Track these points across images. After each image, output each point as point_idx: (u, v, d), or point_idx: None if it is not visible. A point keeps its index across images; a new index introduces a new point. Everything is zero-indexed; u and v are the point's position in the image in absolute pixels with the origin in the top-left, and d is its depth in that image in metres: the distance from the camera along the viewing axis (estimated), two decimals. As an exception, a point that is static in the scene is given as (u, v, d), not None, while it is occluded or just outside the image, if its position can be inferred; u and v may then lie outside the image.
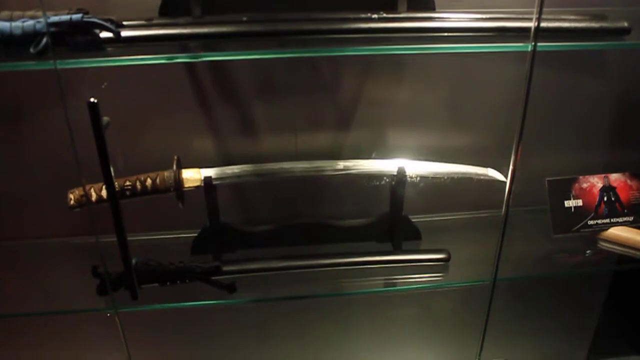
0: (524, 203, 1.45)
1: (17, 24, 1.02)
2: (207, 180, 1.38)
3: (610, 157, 1.73)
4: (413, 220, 1.54)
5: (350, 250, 1.49)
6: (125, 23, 1.14)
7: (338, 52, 1.30)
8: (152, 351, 1.73)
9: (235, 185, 1.44)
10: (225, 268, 1.38)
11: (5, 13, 1.04)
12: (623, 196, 1.57)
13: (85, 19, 1.03)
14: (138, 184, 1.34)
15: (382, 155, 1.49)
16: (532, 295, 1.87)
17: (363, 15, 1.21)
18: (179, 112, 1.49)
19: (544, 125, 1.59)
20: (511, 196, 1.28)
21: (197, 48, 1.23)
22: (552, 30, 1.22)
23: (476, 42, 1.23)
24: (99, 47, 1.08)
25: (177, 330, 1.75)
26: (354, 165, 1.45)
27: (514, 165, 1.23)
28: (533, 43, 1.10)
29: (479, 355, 1.53)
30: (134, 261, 1.24)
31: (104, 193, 1.31)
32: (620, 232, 1.55)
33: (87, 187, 1.31)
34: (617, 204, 1.56)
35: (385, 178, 1.47)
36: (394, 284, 1.53)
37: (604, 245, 1.57)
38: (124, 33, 1.10)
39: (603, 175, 1.57)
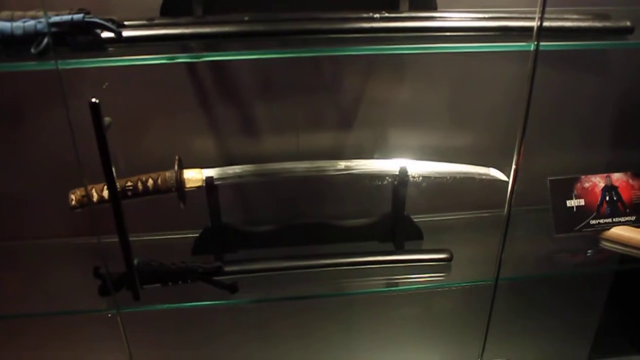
0: (526, 203, 1.45)
1: (18, 24, 1.02)
2: (209, 180, 1.38)
3: (612, 157, 1.73)
4: (415, 220, 1.54)
5: (352, 250, 1.49)
6: (126, 23, 1.13)
7: (340, 51, 1.30)
8: (154, 351, 1.73)
9: (236, 186, 1.44)
10: (227, 268, 1.38)
11: (6, 13, 1.04)
12: (625, 196, 1.57)
13: (86, 19, 1.03)
14: (139, 184, 1.34)
15: (384, 155, 1.49)
16: (533, 295, 1.87)
17: (365, 15, 1.21)
18: (181, 112, 1.49)
19: (546, 125, 1.58)
20: (513, 196, 1.28)
21: (198, 48, 1.22)
22: (555, 29, 1.22)
23: (478, 41, 1.23)
24: (100, 47, 1.08)
25: (178, 330, 1.75)
26: (356, 165, 1.45)
27: (517, 165, 1.23)
28: (536, 42, 1.10)
29: (481, 355, 1.53)
30: (135, 262, 1.24)
31: (105, 193, 1.31)
32: (622, 232, 1.55)
33: (89, 187, 1.31)
34: (619, 204, 1.56)
35: (387, 178, 1.47)
36: (396, 284, 1.53)
37: (606, 244, 1.57)
38: (125, 33, 1.10)
39: (605, 174, 1.57)
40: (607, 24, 1.24)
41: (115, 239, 1.16)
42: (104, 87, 1.22)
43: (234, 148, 1.55)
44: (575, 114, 1.65)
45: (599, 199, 1.55)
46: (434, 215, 1.66)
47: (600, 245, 1.57)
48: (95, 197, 1.32)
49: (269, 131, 1.54)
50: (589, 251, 1.60)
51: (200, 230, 1.47)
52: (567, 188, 1.54)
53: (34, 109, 1.43)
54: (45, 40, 1.01)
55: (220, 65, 1.44)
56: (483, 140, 1.61)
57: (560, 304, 1.91)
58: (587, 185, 1.55)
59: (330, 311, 1.78)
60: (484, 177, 1.49)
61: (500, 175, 1.48)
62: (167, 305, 1.38)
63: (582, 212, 1.54)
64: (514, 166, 1.23)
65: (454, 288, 1.55)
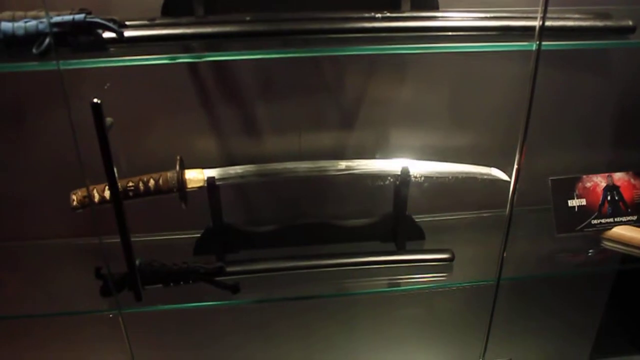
0: (528, 202, 1.45)
1: (20, 24, 1.01)
2: (210, 180, 1.38)
3: (613, 156, 1.73)
4: (417, 220, 1.54)
5: (353, 251, 1.49)
6: (127, 23, 1.13)
7: (341, 51, 1.30)
8: (155, 352, 1.73)
9: (238, 186, 1.44)
10: (229, 269, 1.37)
11: (8, 13, 1.04)
12: (627, 195, 1.57)
13: (88, 19, 1.03)
14: (141, 184, 1.34)
15: (386, 155, 1.49)
16: (535, 295, 1.87)
17: (366, 15, 1.21)
18: (182, 112, 1.49)
19: (547, 124, 1.58)
20: (515, 196, 1.28)
21: (200, 48, 1.22)
22: (557, 29, 1.22)
23: (480, 41, 1.23)
24: (102, 48, 1.08)
25: (180, 331, 1.75)
26: (358, 165, 1.45)
27: (519, 165, 1.23)
28: (538, 42, 1.10)
29: (483, 355, 1.52)
30: (137, 262, 1.24)
31: (106, 194, 1.31)
32: (623, 232, 1.55)
33: (90, 188, 1.31)
34: (620, 203, 1.56)
35: (388, 178, 1.47)
36: (398, 284, 1.53)
37: (608, 244, 1.57)
38: (127, 33, 1.10)
39: (607, 174, 1.57)
40: (609, 23, 1.25)
41: (116, 239, 1.16)
42: (106, 87, 1.22)
43: (235, 148, 1.55)
44: (576, 114, 1.65)
45: (601, 198, 1.55)
46: (436, 215, 1.66)
47: (602, 245, 1.57)
48: (96, 198, 1.32)
49: (271, 131, 1.54)
50: (591, 251, 1.60)
51: (202, 231, 1.47)
52: (568, 188, 1.54)
53: (35, 110, 1.43)
54: (47, 40, 1.00)
55: (222, 65, 1.44)
56: (485, 140, 1.61)
57: (562, 303, 1.91)
58: (588, 185, 1.55)
59: (332, 311, 1.78)
60: (485, 177, 1.49)
61: (502, 175, 1.48)
62: (168, 305, 1.37)
63: (583, 212, 1.54)
64: (516, 166, 1.23)
65: (455, 288, 1.55)
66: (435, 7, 1.30)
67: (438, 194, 1.55)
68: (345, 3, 1.27)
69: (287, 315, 1.75)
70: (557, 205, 1.53)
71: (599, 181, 1.56)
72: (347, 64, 1.49)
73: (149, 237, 1.53)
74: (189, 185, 1.37)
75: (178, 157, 1.37)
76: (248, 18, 1.20)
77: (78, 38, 1.04)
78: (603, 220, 1.55)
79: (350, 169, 1.44)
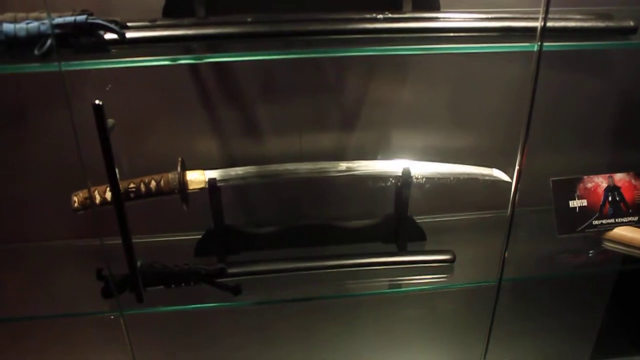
0: (529, 203, 1.44)
1: (22, 25, 1.01)
2: (212, 182, 1.38)
3: (614, 157, 1.73)
4: (418, 221, 1.54)
5: (355, 252, 1.49)
6: (129, 24, 1.13)
7: (343, 52, 1.30)
8: (156, 353, 1.73)
9: (239, 187, 1.44)
10: (230, 270, 1.37)
11: (9, 15, 1.04)
12: (628, 196, 1.57)
13: (89, 21, 1.03)
14: (142, 186, 1.34)
15: (387, 156, 1.49)
16: (536, 296, 1.87)
17: (368, 16, 1.21)
18: (183, 113, 1.49)
19: (548, 125, 1.59)
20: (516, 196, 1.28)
21: (201, 49, 1.22)
22: (558, 30, 1.22)
23: (482, 42, 1.23)
24: (103, 49, 1.08)
25: (181, 332, 1.75)
26: (359, 166, 1.45)
27: (520, 166, 1.23)
28: (539, 43, 1.10)
29: (484, 356, 1.52)
30: (139, 264, 1.24)
31: (107, 195, 1.31)
32: (625, 232, 1.55)
33: (91, 189, 1.31)
34: (621, 204, 1.56)
35: (390, 179, 1.47)
36: (399, 285, 1.53)
37: (609, 245, 1.57)
38: (128, 34, 1.10)
39: (608, 175, 1.57)
40: (610, 24, 1.24)
41: (118, 240, 1.16)
42: (107, 88, 1.22)
43: (236, 149, 1.55)
44: (577, 114, 1.65)
45: (602, 199, 1.55)
46: (437, 216, 1.66)
47: (603, 245, 1.57)
48: (97, 199, 1.32)
49: (272, 132, 1.54)
50: (592, 252, 1.60)
51: (203, 232, 1.47)
52: (569, 188, 1.54)
53: (37, 111, 1.43)
54: (49, 41, 1.01)
55: (223, 67, 1.44)
56: (486, 141, 1.61)
57: (563, 304, 1.91)
58: (589, 185, 1.55)
59: (333, 312, 1.78)
60: (487, 177, 1.49)
61: (503, 176, 1.48)
62: (170, 307, 1.37)
63: (584, 213, 1.54)
64: (517, 167, 1.23)
65: (456, 289, 1.55)
66: (436, 8, 1.30)
67: (439, 195, 1.55)
68: (346, 4, 1.27)
69: (288, 317, 1.75)
70: (558, 206, 1.53)
71: (600, 182, 1.56)
72: (348, 64, 1.49)
73: (150, 238, 1.53)
74: (190, 187, 1.37)
75: (179, 159, 1.37)
76: (249, 19, 1.20)
77: (80, 39, 1.04)
78: (604, 221, 1.55)
79: (351, 170, 1.44)
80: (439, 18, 1.23)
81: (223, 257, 1.48)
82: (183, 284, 1.32)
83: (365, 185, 1.49)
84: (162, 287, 1.31)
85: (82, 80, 1.27)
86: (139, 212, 1.30)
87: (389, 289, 1.55)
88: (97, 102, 0.99)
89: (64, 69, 1.01)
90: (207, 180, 1.38)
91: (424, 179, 1.46)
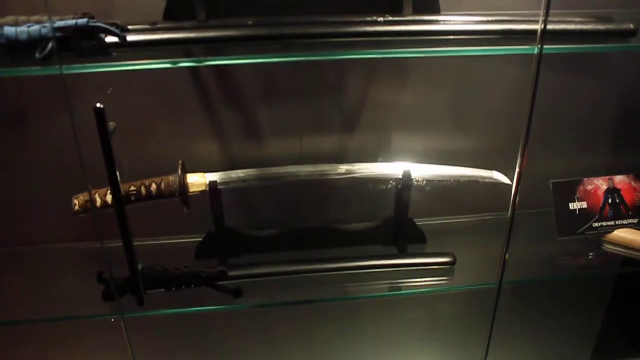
0: (529, 205, 1.45)
1: (23, 29, 1.01)
2: (213, 185, 1.38)
3: (615, 159, 1.73)
4: (418, 223, 1.54)
5: (355, 255, 1.49)
6: (130, 27, 1.13)
7: (343, 55, 1.29)
8: (157, 356, 1.73)
9: (240, 190, 1.43)
10: (231, 273, 1.37)
11: (11, 18, 1.04)
12: (628, 198, 1.57)
13: (91, 24, 1.03)
14: (143, 189, 1.34)
15: (388, 158, 1.49)
16: (536, 298, 1.87)
17: (369, 19, 1.21)
18: (184, 116, 1.49)
19: (549, 128, 1.59)
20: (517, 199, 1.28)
21: (201, 52, 1.22)
22: (559, 32, 1.22)
23: (482, 45, 1.23)
24: (105, 52, 1.07)
25: (182, 335, 1.74)
26: (359, 169, 1.45)
27: (521, 168, 1.23)
28: (540, 46, 1.10)
29: (485, 359, 1.52)
30: (140, 267, 1.24)
31: (108, 198, 1.31)
32: (625, 235, 1.55)
33: (92, 192, 1.31)
34: (622, 207, 1.56)
35: (390, 182, 1.47)
36: (400, 288, 1.53)
37: (609, 247, 1.57)
38: (129, 38, 1.09)
39: (608, 177, 1.57)
40: (610, 26, 1.25)
41: (119, 243, 1.16)
42: (109, 92, 1.22)
43: (237, 152, 1.55)
44: (578, 117, 1.65)
45: (602, 201, 1.55)
46: (438, 218, 1.67)
47: (603, 248, 1.57)
48: (98, 202, 1.32)
49: (273, 135, 1.54)
50: (592, 254, 1.60)
51: (204, 235, 1.47)
52: (569, 191, 1.54)
53: (38, 114, 1.43)
54: (50, 45, 1.00)
55: (224, 70, 1.44)
56: (486, 144, 1.61)
57: (563, 306, 1.91)
58: (589, 188, 1.55)
59: (333, 315, 1.78)
60: (487, 180, 1.49)
61: (504, 179, 1.48)
62: (170, 310, 1.37)
63: (584, 215, 1.54)
64: (517, 169, 1.23)
65: (457, 292, 1.55)
66: (437, 11, 1.30)
67: (440, 197, 1.55)
68: (347, 7, 1.27)
69: (289, 320, 1.75)
70: (559, 208, 1.53)
71: (600, 184, 1.56)
72: (349, 67, 1.49)
73: (150, 241, 1.53)
74: (191, 190, 1.37)
75: (180, 161, 1.37)
76: (250, 22, 1.20)
77: (81, 43, 1.04)
78: (604, 224, 1.55)
79: (351, 173, 1.44)
80: (440, 21, 1.23)
81: (224, 260, 1.48)
82: (184, 287, 1.32)
83: (366, 188, 1.49)
84: (162, 290, 1.31)
85: (83, 84, 1.27)
86: (139, 215, 1.30)
87: (390, 291, 1.55)
88: (98, 105, 0.99)
89: (65, 72, 1.01)
90: (208, 183, 1.38)
91: (424, 182, 1.46)
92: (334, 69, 1.49)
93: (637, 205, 1.57)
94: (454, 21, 1.23)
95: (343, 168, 1.44)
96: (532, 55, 1.11)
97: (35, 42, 1.01)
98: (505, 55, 1.26)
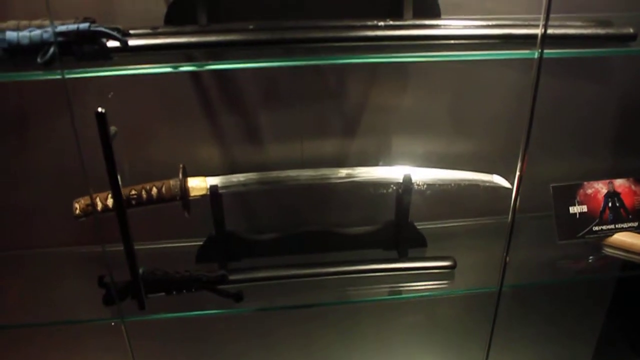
0: (529, 209, 1.44)
1: (25, 33, 1.01)
2: (213, 189, 1.38)
3: (614, 163, 1.73)
4: (419, 227, 1.53)
5: (356, 258, 1.49)
6: (131, 31, 1.13)
7: (344, 59, 1.29)
8: (158, 361, 1.73)
9: (240, 193, 1.43)
10: (231, 277, 1.37)
11: (12, 22, 1.04)
12: (628, 202, 1.57)
13: (92, 28, 1.03)
14: (144, 193, 1.34)
15: (388, 162, 1.50)
16: (536, 302, 1.87)
17: (369, 23, 1.22)
18: (185, 120, 1.49)
19: (549, 132, 1.59)
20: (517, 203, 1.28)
21: (202, 56, 1.23)
22: (558, 37, 1.22)
23: (482, 49, 1.23)
24: (106, 56, 1.08)
25: (183, 339, 1.74)
26: (360, 173, 1.45)
27: (521, 172, 1.23)
28: (540, 50, 1.10)
29: (485, 362, 1.52)
30: (140, 271, 1.24)
31: (109, 202, 1.31)
32: (624, 238, 1.55)
33: (93, 196, 1.31)
34: (621, 210, 1.56)
35: (391, 185, 1.47)
36: (400, 292, 1.53)
37: (609, 251, 1.57)
38: (131, 42, 1.09)
39: (607, 180, 1.57)
40: (610, 31, 1.25)
41: (119, 247, 1.16)
42: (110, 96, 1.22)
43: (238, 156, 1.55)
44: (577, 121, 1.65)
45: (602, 205, 1.55)
46: (438, 222, 1.66)
47: (603, 251, 1.58)
48: (99, 206, 1.32)
49: (273, 139, 1.54)
50: (592, 257, 1.60)
51: (204, 239, 1.47)
52: (569, 194, 1.54)
53: (39, 118, 1.43)
54: (52, 49, 1.00)
55: (225, 74, 1.44)
56: (487, 147, 1.61)
57: (563, 310, 1.91)
58: (589, 191, 1.55)
59: (334, 319, 1.78)
60: (487, 184, 1.49)
61: (504, 182, 1.48)
62: (171, 314, 1.37)
63: (584, 219, 1.54)
64: (517, 173, 1.23)
65: (457, 295, 1.55)
66: (437, 15, 1.30)
67: (440, 201, 1.55)
68: (347, 11, 1.27)
69: (290, 323, 1.75)
70: (559, 212, 1.53)
71: (600, 188, 1.56)
72: (349, 71, 1.49)
73: (151, 245, 1.52)
74: (192, 194, 1.37)
75: (181, 165, 1.37)
76: (251, 26, 1.20)
77: (82, 47, 1.04)
78: (604, 227, 1.55)
79: (352, 177, 1.44)
80: (440, 25, 1.23)
81: (224, 263, 1.48)
82: (184, 291, 1.32)
83: (366, 192, 1.49)
84: (163, 294, 1.31)
85: (84, 88, 1.27)
86: (140, 219, 1.30)
87: (390, 295, 1.54)
88: (100, 110, 0.99)
89: (66, 76, 1.01)
90: (208, 187, 1.38)
91: (424, 185, 1.46)
92: (335, 73, 1.49)
93: (637, 209, 1.57)
94: (454, 25, 1.23)
95: (343, 172, 1.44)
96: (532, 59, 1.11)
97: (37, 47, 1.01)
98: (505, 59, 1.26)
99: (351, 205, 1.61)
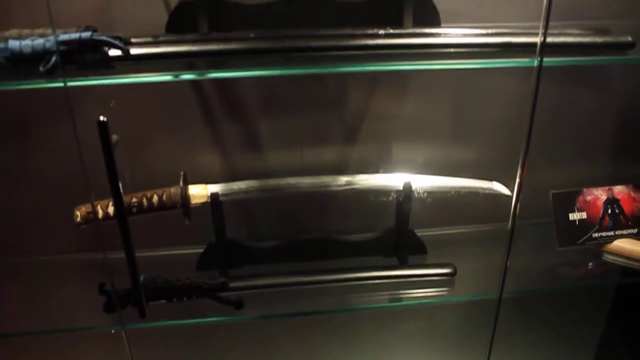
0: (529, 216, 1.44)
1: (27, 42, 1.02)
2: (214, 196, 1.38)
3: (613, 170, 1.74)
4: (419, 234, 1.53)
5: (356, 265, 1.48)
6: (133, 40, 1.14)
7: (344, 68, 1.30)
8: (158, 368, 1.73)
9: (241, 201, 1.44)
10: (232, 284, 1.37)
11: (15, 31, 1.04)
12: (627, 208, 1.57)
13: (94, 37, 1.03)
14: (145, 200, 1.34)
15: (388, 169, 1.50)
16: (536, 308, 1.87)
17: (370, 31, 1.22)
18: (186, 128, 1.50)
19: (548, 139, 1.59)
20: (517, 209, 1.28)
21: (203, 65, 1.23)
22: (557, 45, 1.23)
23: (482, 57, 1.24)
24: (108, 65, 1.08)
25: (183, 346, 1.74)
26: (360, 180, 1.45)
27: (520, 179, 1.23)
28: (539, 58, 1.10)
29: (485, 369, 1.52)
30: (141, 278, 1.24)
31: (110, 210, 1.31)
32: (624, 245, 1.56)
33: (94, 203, 1.31)
34: (621, 217, 1.57)
35: (391, 193, 1.47)
36: (400, 299, 1.53)
37: (609, 257, 1.57)
38: (132, 51, 1.10)
39: (607, 187, 1.57)
40: (609, 39, 1.26)
41: (120, 254, 1.16)
42: (111, 105, 1.22)
43: (238, 164, 1.55)
44: (577, 128, 1.66)
45: (601, 212, 1.56)
46: (438, 229, 1.66)
47: (603, 258, 1.58)
48: (100, 214, 1.32)
49: (274, 147, 1.55)
50: (592, 264, 1.60)
51: (205, 246, 1.47)
52: (569, 201, 1.54)
53: (41, 126, 1.43)
54: (54, 58, 1.01)
55: (225, 82, 1.45)
56: (486, 155, 1.61)
57: (563, 316, 1.91)
58: (589, 198, 1.55)
59: (334, 326, 1.78)
60: (487, 191, 1.50)
61: (503, 189, 1.49)
62: (172, 321, 1.37)
63: (584, 225, 1.54)
64: (517, 180, 1.23)
65: (457, 302, 1.55)
66: (437, 23, 1.30)
67: (440, 208, 1.55)
68: (348, 20, 1.27)
69: (290, 331, 1.75)
70: (558, 218, 1.53)
71: (600, 194, 1.56)
72: (349, 79, 1.50)
73: (151, 252, 1.52)
74: (193, 201, 1.37)
75: (182, 173, 1.37)
76: (252, 35, 1.21)
77: (84, 56, 1.04)
78: (604, 234, 1.55)
79: (352, 184, 1.45)
80: (440, 34, 1.24)
81: (225, 271, 1.48)
82: (185, 298, 1.32)
83: (366, 199, 1.49)
84: (164, 301, 1.31)
85: (85, 96, 1.28)
86: (141, 226, 1.30)
87: (390, 302, 1.55)
88: (102, 118, 1.00)
89: (68, 85, 1.01)
90: (209, 194, 1.38)
91: (424, 193, 1.47)
92: (335, 81, 1.50)
93: (637, 215, 1.57)
94: (454, 34, 1.23)
95: (343, 179, 1.44)
96: (531, 67, 1.12)
97: (39, 56, 1.02)
98: (505, 67, 1.26)
99: (351, 212, 1.61)
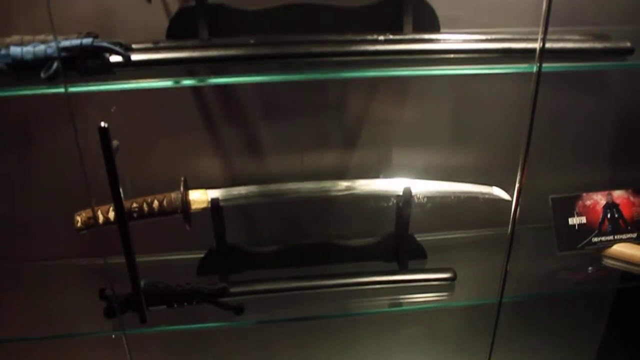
0: (528, 221, 1.45)
1: (29, 48, 1.02)
2: (214, 201, 1.38)
3: (613, 174, 1.74)
4: (419, 239, 1.54)
5: (356, 270, 1.49)
6: (133, 46, 1.14)
7: (344, 73, 1.30)
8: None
9: (241, 206, 1.44)
10: (232, 289, 1.37)
11: (16, 37, 1.05)
12: (626, 213, 1.57)
13: (95, 43, 1.04)
14: (145, 205, 1.34)
15: (388, 174, 1.50)
16: (536, 313, 1.87)
17: (369, 37, 1.22)
18: (187, 133, 1.50)
19: (548, 144, 1.60)
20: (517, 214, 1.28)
21: (204, 71, 1.23)
22: (557, 51, 1.23)
23: (482, 63, 1.24)
24: (109, 71, 1.08)
25: (184, 352, 1.74)
26: (360, 185, 1.45)
27: (520, 184, 1.23)
28: (538, 64, 1.11)
29: (486, 373, 1.52)
30: (142, 283, 1.24)
31: (110, 215, 1.31)
32: (624, 249, 1.56)
33: (95, 209, 1.31)
34: (620, 221, 1.57)
35: (391, 198, 1.47)
36: (400, 304, 1.53)
37: (608, 262, 1.58)
38: (133, 57, 1.10)
39: (606, 192, 1.57)
40: (608, 45, 1.26)
41: (121, 260, 1.16)
42: (112, 110, 1.22)
43: (239, 169, 1.56)
44: (576, 133, 1.66)
45: (601, 216, 1.56)
46: (438, 234, 1.67)
47: (603, 262, 1.58)
48: (100, 219, 1.32)
49: (274, 152, 1.55)
50: (591, 269, 1.60)
51: (205, 251, 1.47)
52: (569, 206, 1.54)
53: (42, 132, 1.44)
54: (55, 64, 1.01)
55: (226, 87, 1.45)
56: (486, 160, 1.62)
57: (563, 321, 1.91)
58: (588, 202, 1.55)
59: (334, 331, 1.77)
60: (487, 196, 1.50)
61: (503, 194, 1.49)
62: (172, 326, 1.37)
63: (584, 230, 1.55)
64: (517, 185, 1.24)
65: (458, 307, 1.55)
66: (436, 29, 1.31)
67: (440, 213, 1.55)
68: (348, 26, 1.28)
69: (290, 336, 1.74)
70: (558, 223, 1.53)
71: (599, 199, 1.56)
72: (350, 84, 1.50)
73: (152, 257, 1.52)
74: (193, 206, 1.37)
75: (182, 178, 1.37)
76: (252, 41, 1.21)
77: (85, 62, 1.05)
78: (603, 238, 1.56)
79: (352, 189, 1.45)
80: (440, 39, 1.24)
81: (225, 276, 1.48)
82: (185, 304, 1.32)
83: (367, 204, 1.50)
84: (164, 306, 1.31)
85: (86, 102, 1.28)
86: (141, 232, 1.30)
87: (390, 307, 1.55)
88: (102, 124, 1.00)
89: (69, 90, 1.02)
90: (209, 200, 1.38)
91: (424, 198, 1.47)
92: (335, 86, 1.50)
93: (636, 220, 1.57)
94: (453, 39, 1.24)
95: (344, 184, 1.44)
96: (531, 72, 1.12)
97: (41, 62, 1.02)
98: (504, 72, 1.27)
99: (351, 217, 1.61)
